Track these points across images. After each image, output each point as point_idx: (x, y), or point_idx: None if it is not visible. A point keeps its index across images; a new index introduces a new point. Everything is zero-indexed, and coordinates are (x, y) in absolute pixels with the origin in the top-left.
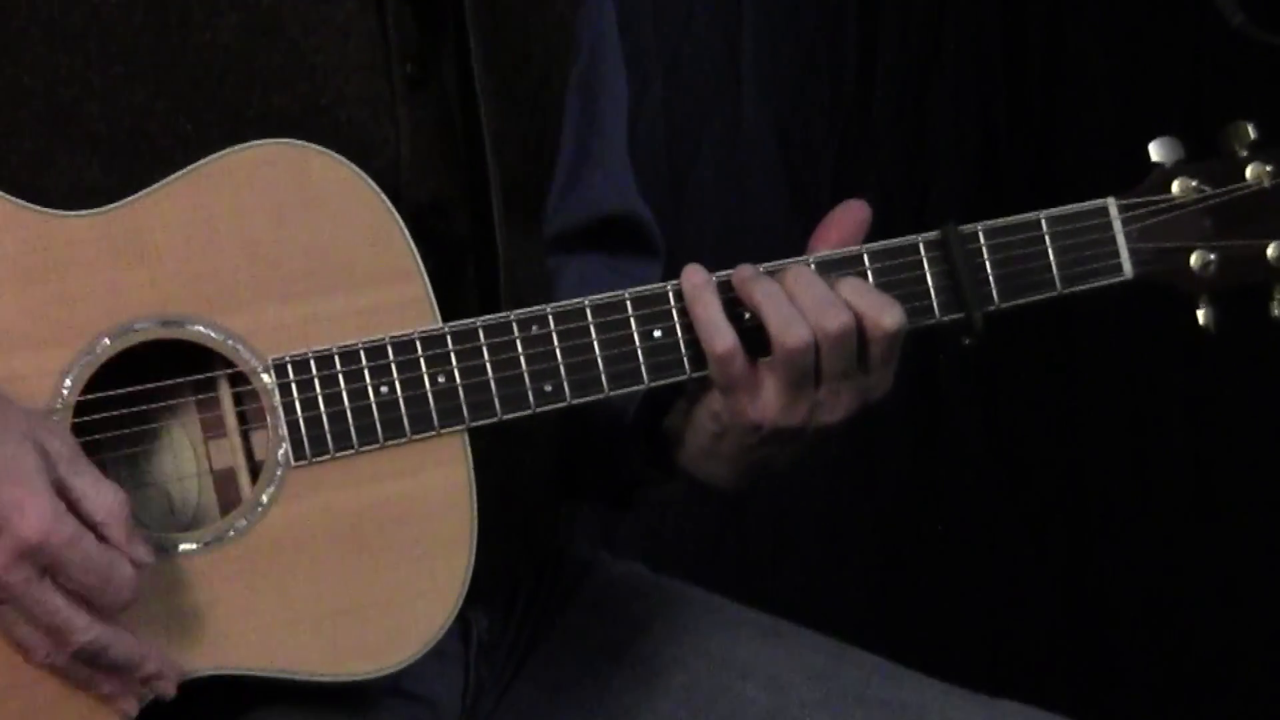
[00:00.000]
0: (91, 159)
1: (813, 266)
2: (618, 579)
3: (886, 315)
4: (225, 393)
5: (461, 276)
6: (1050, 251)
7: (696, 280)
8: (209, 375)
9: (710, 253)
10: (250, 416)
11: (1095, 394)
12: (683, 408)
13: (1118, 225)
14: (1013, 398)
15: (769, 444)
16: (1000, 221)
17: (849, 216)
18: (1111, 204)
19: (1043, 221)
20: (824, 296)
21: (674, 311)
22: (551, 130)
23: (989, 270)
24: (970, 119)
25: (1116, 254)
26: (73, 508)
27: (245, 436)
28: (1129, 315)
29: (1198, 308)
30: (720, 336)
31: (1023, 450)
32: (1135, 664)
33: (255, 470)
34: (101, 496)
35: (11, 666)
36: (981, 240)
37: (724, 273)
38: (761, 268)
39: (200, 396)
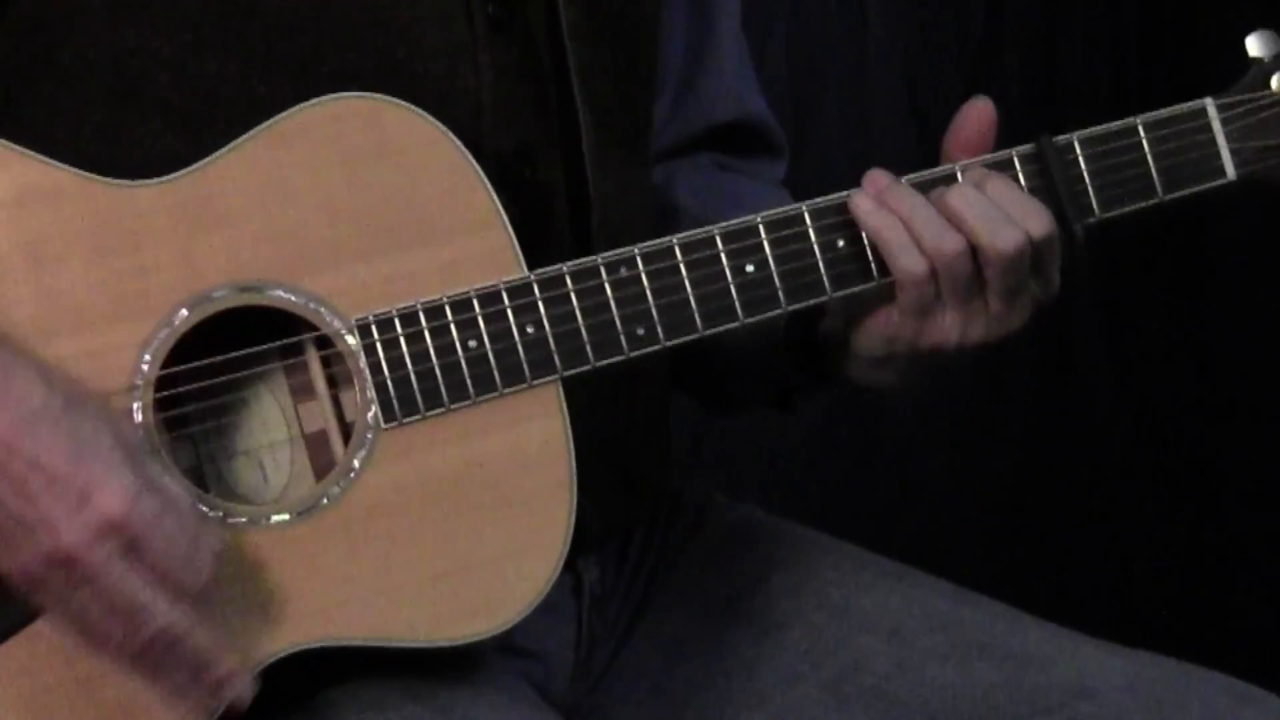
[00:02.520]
0: (164, 128)
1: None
2: (734, 524)
3: (1033, 222)
4: (313, 356)
5: (552, 223)
6: (1149, 157)
7: (867, 206)
8: (294, 340)
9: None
10: (339, 378)
11: (1228, 341)
12: (840, 312)
13: (1217, 126)
14: (1142, 344)
15: (948, 359)
16: (1096, 130)
17: (974, 117)
18: (1210, 104)
19: (1140, 126)
20: (993, 214)
21: (765, 244)
22: (646, 50)
23: (1087, 180)
24: (1101, 61)
25: (1218, 155)
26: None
27: (335, 399)
28: (1262, 255)
29: None
30: (913, 258)
31: (1152, 397)
32: (1266, 613)
33: (347, 431)
34: (169, 483)
35: (77, 661)
36: (1078, 150)
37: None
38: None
39: (288, 362)
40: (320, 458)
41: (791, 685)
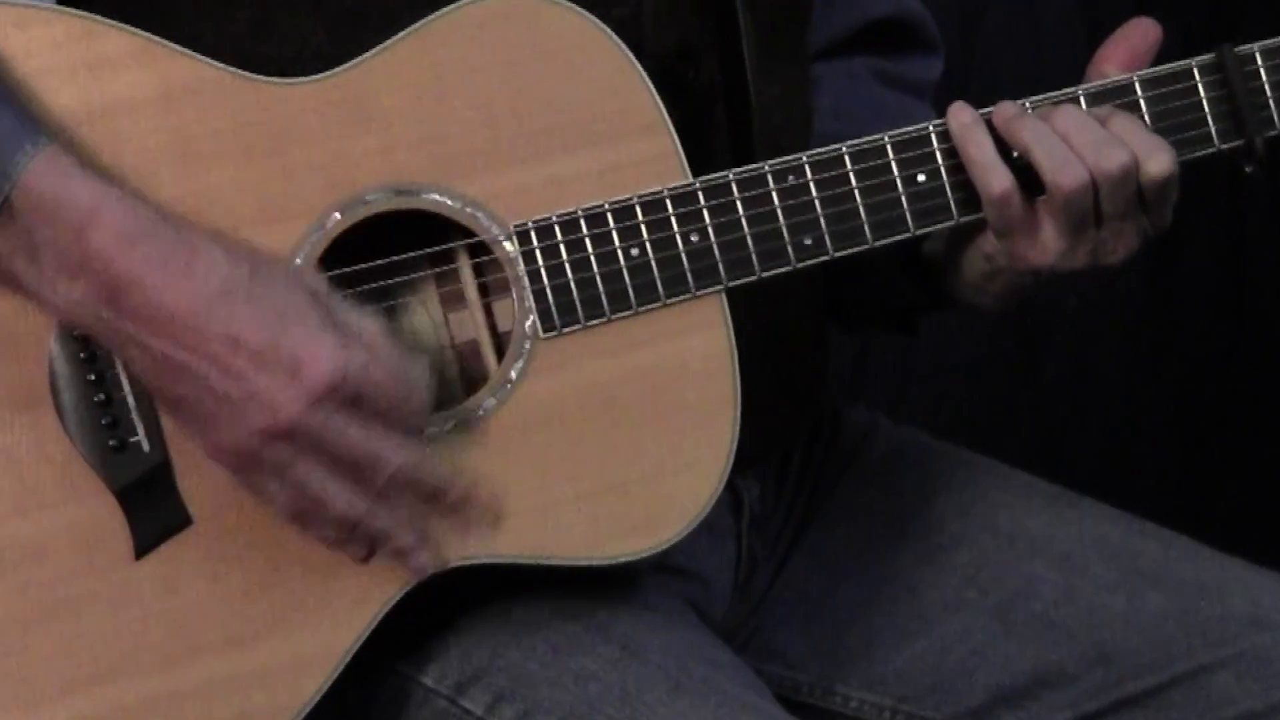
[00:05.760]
0: (315, 24)
1: (1083, 99)
2: (899, 446)
3: (1153, 161)
4: (464, 263)
5: (712, 125)
6: None
7: (964, 119)
8: (447, 246)
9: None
10: (491, 287)
11: None
12: (942, 234)
13: None
14: None
15: (1046, 285)
16: (1277, 40)
17: (1139, 36)
18: None
19: None
20: (1099, 135)
21: (938, 154)
22: None
23: (1268, 92)
24: None
25: None
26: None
27: (487, 309)
28: None
29: None
30: (996, 177)
31: None
32: None
33: (499, 342)
34: (365, 323)
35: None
36: (1259, 61)
37: (985, 110)
38: (1027, 103)
39: (438, 269)
40: (471, 368)
41: (956, 610)
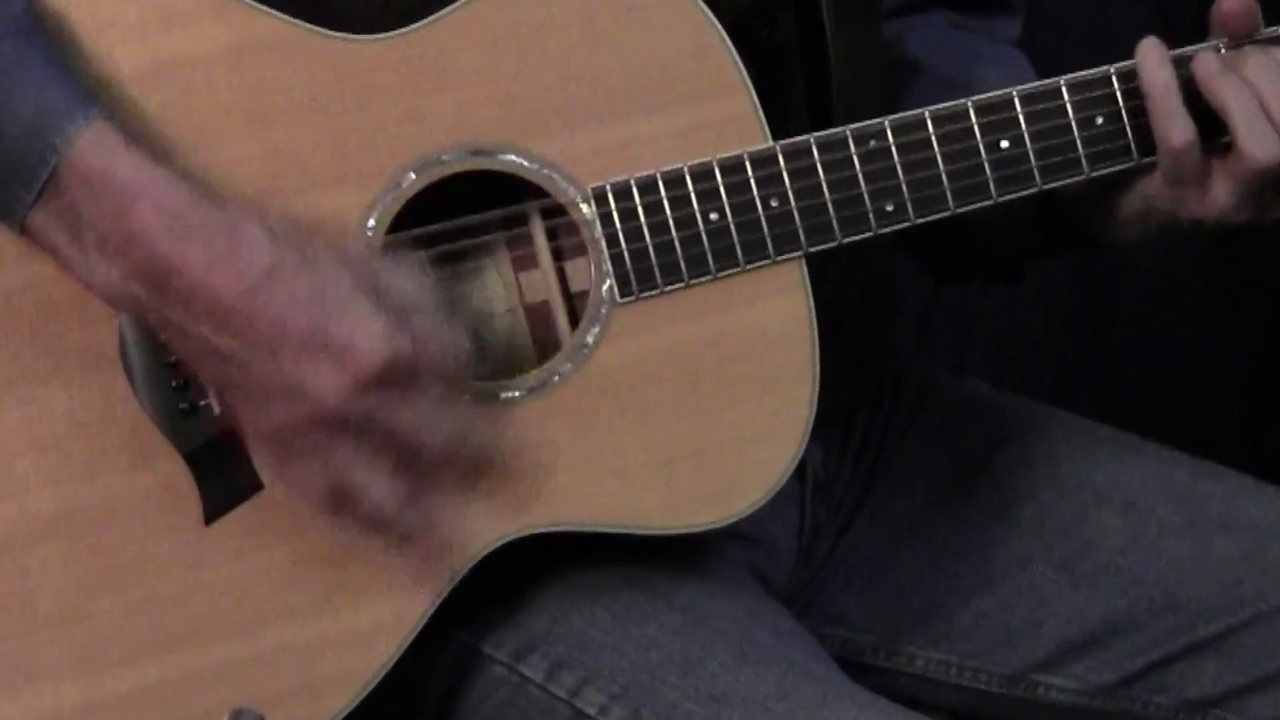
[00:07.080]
0: None
1: (1223, 52)
2: (960, 401)
3: None
4: (537, 225)
5: (788, 86)
6: None
7: (1156, 56)
8: (519, 208)
9: (1069, 66)
10: (565, 248)
11: None
12: None
13: None
14: None
15: (1202, 229)
16: None
17: None
18: None
19: None
20: None
21: (1020, 119)
22: None
23: None
24: None
25: None
26: (385, 301)
27: (560, 271)
28: None
29: None
30: (1178, 127)
31: None
32: None
33: (570, 304)
34: (413, 293)
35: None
36: None
37: (1177, 51)
38: (1220, 46)
39: (510, 232)
40: (541, 329)
41: (1022, 567)
